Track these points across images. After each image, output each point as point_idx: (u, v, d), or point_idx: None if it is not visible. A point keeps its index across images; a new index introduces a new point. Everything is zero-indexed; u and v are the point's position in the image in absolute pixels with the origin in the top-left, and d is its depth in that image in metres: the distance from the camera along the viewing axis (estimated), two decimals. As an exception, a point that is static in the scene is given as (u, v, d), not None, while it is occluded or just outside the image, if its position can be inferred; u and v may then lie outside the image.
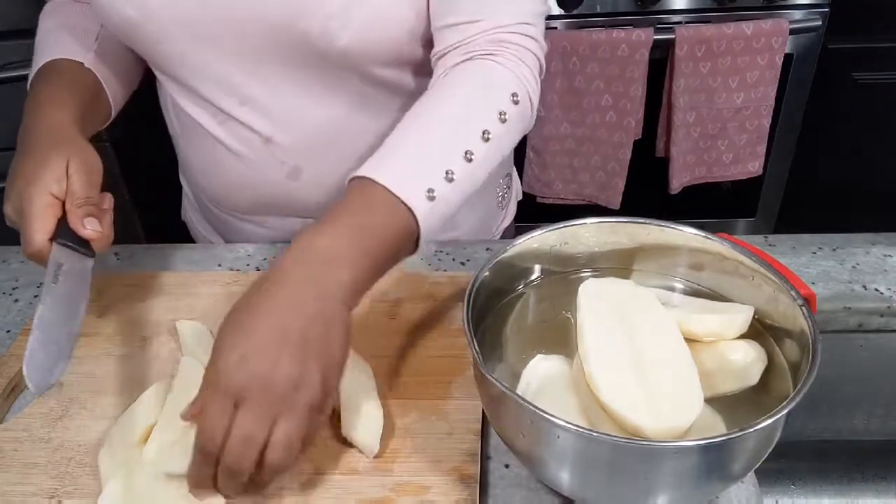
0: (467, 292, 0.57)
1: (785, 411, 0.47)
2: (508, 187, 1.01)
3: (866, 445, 0.85)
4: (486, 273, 0.60)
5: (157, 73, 0.83)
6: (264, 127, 0.79)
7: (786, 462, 0.85)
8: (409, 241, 0.61)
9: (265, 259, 0.85)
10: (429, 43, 0.75)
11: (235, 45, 0.73)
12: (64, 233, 0.65)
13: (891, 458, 0.85)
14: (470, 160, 0.65)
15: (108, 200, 0.69)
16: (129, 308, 0.77)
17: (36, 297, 0.81)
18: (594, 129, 1.71)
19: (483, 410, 0.63)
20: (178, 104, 0.82)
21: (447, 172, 0.63)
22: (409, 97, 0.80)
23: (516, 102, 0.69)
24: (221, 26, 0.72)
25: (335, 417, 0.63)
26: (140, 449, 0.60)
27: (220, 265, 0.85)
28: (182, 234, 1.05)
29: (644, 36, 1.58)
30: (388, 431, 0.62)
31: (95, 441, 0.62)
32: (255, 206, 0.86)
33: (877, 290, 0.78)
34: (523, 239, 0.63)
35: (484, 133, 0.66)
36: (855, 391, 0.82)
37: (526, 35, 0.71)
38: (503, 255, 0.62)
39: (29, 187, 0.65)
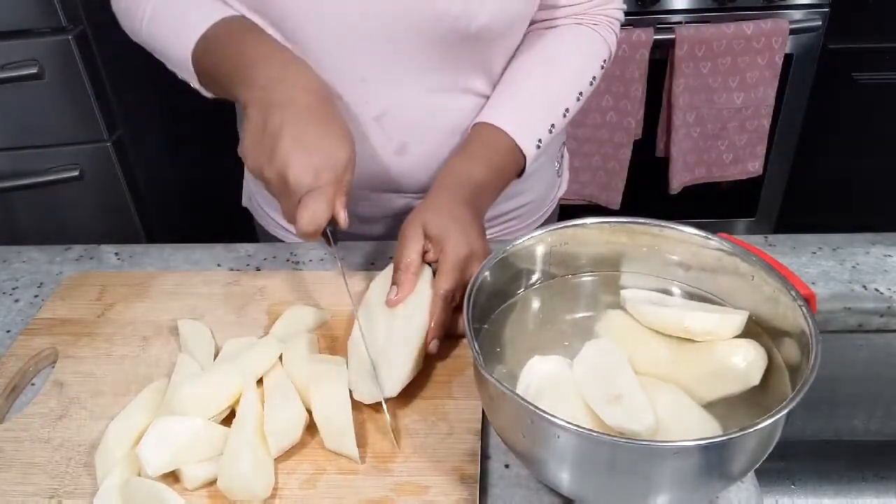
0: (467, 292, 0.57)
1: (785, 411, 0.47)
2: (562, 156, 1.05)
3: (866, 445, 0.85)
4: (486, 273, 0.60)
5: None
6: (379, 103, 0.80)
7: (786, 462, 0.85)
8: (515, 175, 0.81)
9: (265, 259, 0.85)
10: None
11: (366, 24, 0.74)
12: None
13: (891, 458, 0.85)
14: (565, 116, 0.81)
15: None
16: (129, 308, 0.77)
17: (36, 296, 0.81)
18: (594, 129, 1.71)
19: (483, 410, 0.63)
20: None
21: (551, 126, 0.80)
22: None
23: (602, 68, 0.85)
24: (353, 4, 0.73)
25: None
26: (135, 448, 0.60)
27: (219, 265, 0.85)
28: (180, 234, 1.04)
29: (644, 36, 1.58)
30: (386, 432, 0.62)
31: (95, 441, 0.62)
32: (357, 183, 0.85)
33: (877, 290, 0.78)
34: (523, 239, 0.63)
35: (579, 95, 0.82)
36: (855, 391, 0.82)
37: (620, 9, 0.88)
38: (503, 256, 0.62)
39: (326, 171, 0.66)
